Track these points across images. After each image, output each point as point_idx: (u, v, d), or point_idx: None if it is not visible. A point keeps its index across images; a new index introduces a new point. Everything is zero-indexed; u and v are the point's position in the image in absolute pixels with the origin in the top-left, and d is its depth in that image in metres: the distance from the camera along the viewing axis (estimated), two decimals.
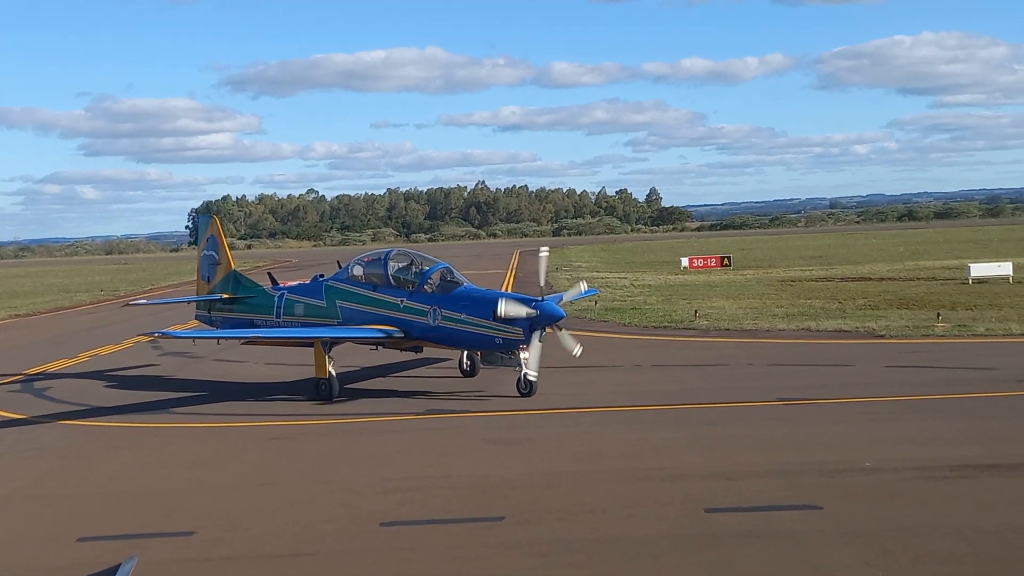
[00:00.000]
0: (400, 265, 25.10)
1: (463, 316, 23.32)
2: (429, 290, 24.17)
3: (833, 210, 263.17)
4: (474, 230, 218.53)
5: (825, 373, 25.38)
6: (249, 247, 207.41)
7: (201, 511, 15.09)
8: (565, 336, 22.83)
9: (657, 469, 16.40)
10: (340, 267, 26.59)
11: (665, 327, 36.39)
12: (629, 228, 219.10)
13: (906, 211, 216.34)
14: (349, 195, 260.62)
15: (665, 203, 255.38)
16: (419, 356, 27.18)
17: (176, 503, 15.58)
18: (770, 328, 34.43)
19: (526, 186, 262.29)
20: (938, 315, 34.60)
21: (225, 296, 28.54)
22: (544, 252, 24.28)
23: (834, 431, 18.74)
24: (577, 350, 22.83)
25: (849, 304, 41.18)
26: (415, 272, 24.79)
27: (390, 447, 18.86)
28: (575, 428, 19.95)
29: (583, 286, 26.89)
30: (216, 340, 30.10)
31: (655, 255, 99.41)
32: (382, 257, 25.35)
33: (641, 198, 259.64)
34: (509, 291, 27.93)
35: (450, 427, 20.53)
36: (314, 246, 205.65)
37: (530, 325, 22.53)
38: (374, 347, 25.85)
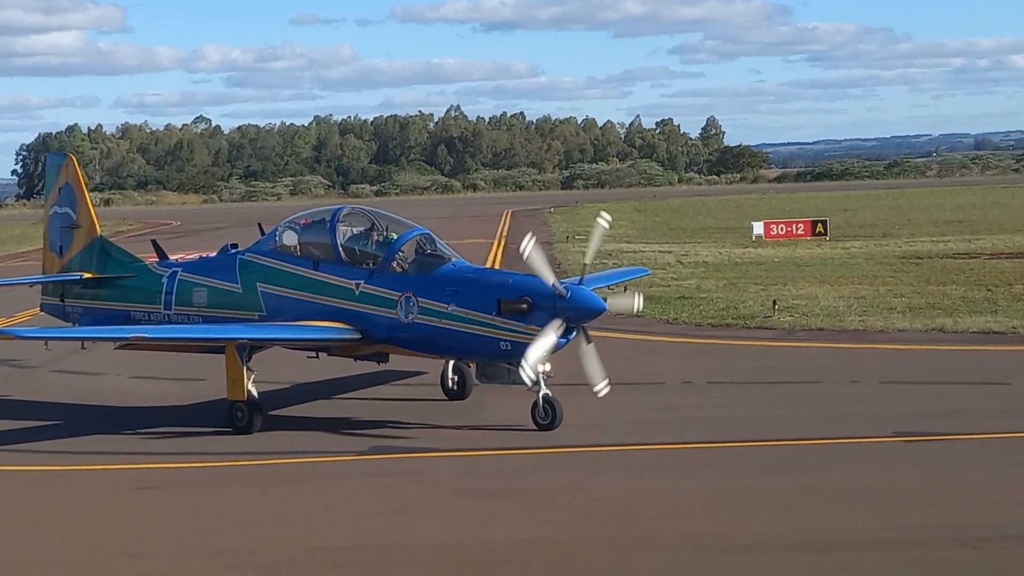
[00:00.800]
0: (355, 231, 25.06)
1: (451, 308, 23.12)
2: (399, 268, 24.13)
3: (980, 152, 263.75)
4: (444, 179, 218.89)
5: (966, 395, 25.51)
6: (107, 203, 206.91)
7: None
8: (590, 356, 22.40)
9: (712, 536, 16.45)
10: (263, 234, 26.52)
11: (728, 325, 36.52)
12: (676, 178, 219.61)
13: None
14: (257, 126, 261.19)
15: (729, 141, 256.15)
16: (382, 367, 27.03)
17: None
18: (885, 328, 34.59)
19: (522, 114, 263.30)
20: None
21: (87, 275, 28.42)
22: (605, 220, 23.81)
23: (978, 480, 18.84)
24: (603, 387, 22.47)
25: (1003, 293, 41.45)
26: (377, 241, 24.76)
27: (318, 501, 18.92)
28: (593, 475, 20.04)
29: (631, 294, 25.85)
30: (79, 342, 29.60)
31: (714, 218, 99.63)
32: (328, 219, 25.22)
33: (694, 133, 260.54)
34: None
35: (409, 472, 20.63)
36: (204, 201, 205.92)
37: (550, 316, 22.20)
38: (313, 354, 25.87)
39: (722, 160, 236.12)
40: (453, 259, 24.12)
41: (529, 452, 21.74)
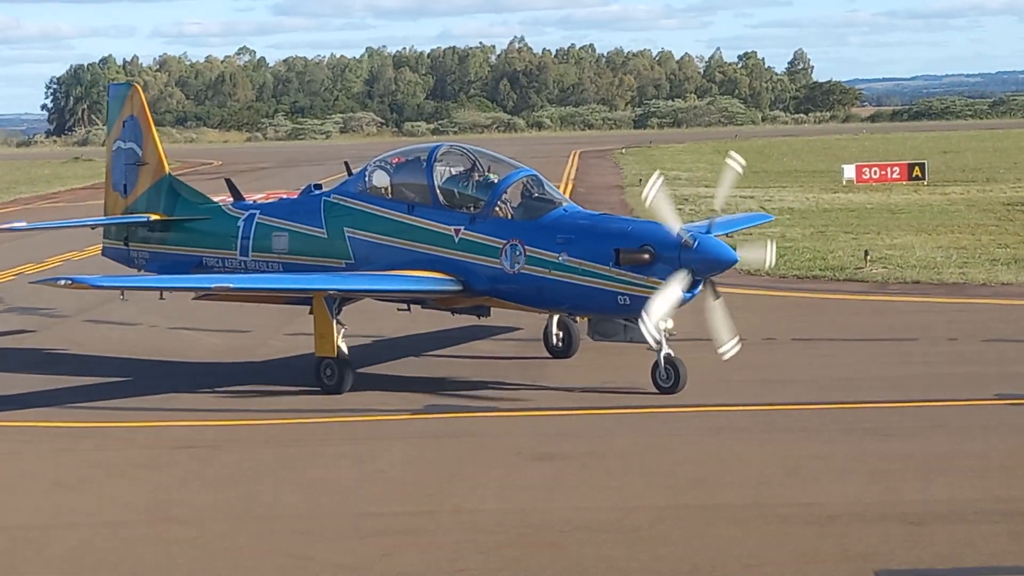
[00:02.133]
0: (454, 171, 24.76)
1: (562, 258, 22.79)
2: (504, 213, 23.83)
3: None
4: (506, 116, 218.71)
5: None
6: None
7: (58, 562, 15.27)
8: (718, 312, 22.20)
9: (798, 505, 16.43)
10: (350, 173, 26.23)
11: (815, 277, 36.41)
12: (759, 116, 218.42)
13: None
14: (304, 58, 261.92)
15: (819, 76, 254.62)
16: (480, 321, 26.24)
17: (17, 549, 15.79)
18: (987, 281, 34.41)
19: (591, 47, 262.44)
20: None
21: (155, 217, 28.09)
22: (736, 162, 23.33)
23: None
24: (730, 348, 22.30)
25: None
26: (479, 183, 24.44)
27: (369, 464, 19.02)
28: (667, 437, 20.09)
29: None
30: (145, 291, 28.50)
31: (801, 160, 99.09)
32: (424, 158, 24.91)
33: (780, 68, 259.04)
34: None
35: (467, 433, 20.73)
36: (247, 139, 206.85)
37: (674, 267, 21.86)
38: (405, 307, 25.68)
39: (810, 97, 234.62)
40: (564, 203, 23.85)
41: (596, 412, 21.79)
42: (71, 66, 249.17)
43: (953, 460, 18.27)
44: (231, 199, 27.85)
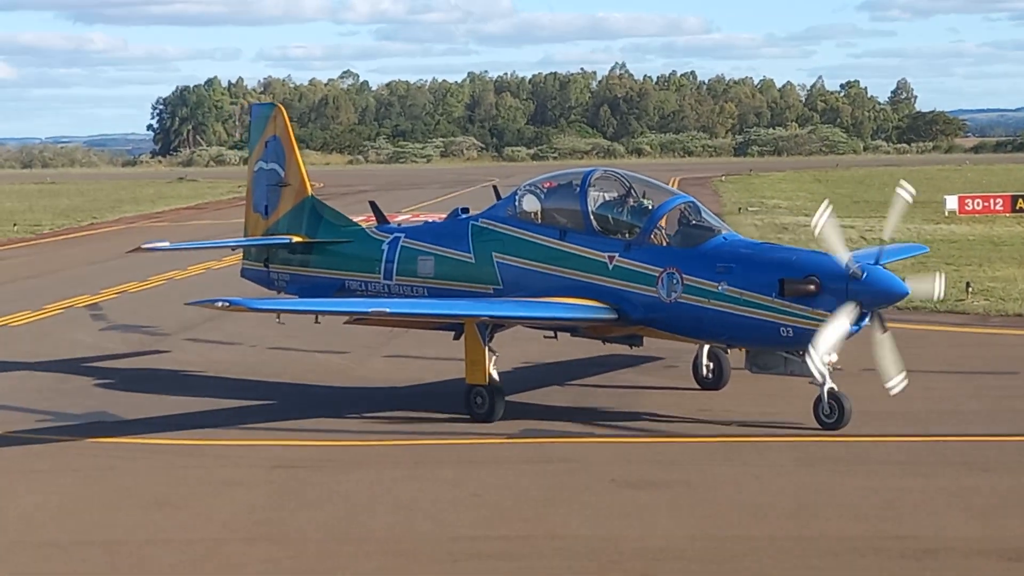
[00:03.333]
0: (608, 196, 24.25)
1: (721, 287, 22.22)
2: (660, 240, 23.33)
3: None
4: (606, 142, 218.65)
5: None
6: (247, 161, 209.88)
7: None
8: (886, 345, 21.54)
9: (895, 539, 16.33)
10: (498, 197, 25.97)
11: (915, 309, 36.00)
12: (861, 145, 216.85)
13: None
14: (407, 82, 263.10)
15: (922, 106, 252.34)
16: (634, 350, 25.75)
17: (115, 564, 15.92)
18: None
19: (692, 74, 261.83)
20: None
21: (297, 239, 27.67)
22: (907, 191, 22.65)
23: None
24: (898, 383, 21.64)
25: None
26: (634, 209, 23.94)
27: (463, 487, 19.10)
28: (761, 467, 20.00)
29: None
30: (288, 313, 26.58)
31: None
32: (577, 183, 24.42)
33: (883, 97, 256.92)
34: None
35: (561, 459, 20.75)
36: (349, 162, 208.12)
37: (841, 299, 21.25)
38: (552, 334, 25.37)
39: (913, 127, 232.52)
40: (723, 231, 23.30)
41: (689, 441, 21.73)
42: (177, 87, 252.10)
43: None
44: (376, 221, 27.45)
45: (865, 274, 21.28)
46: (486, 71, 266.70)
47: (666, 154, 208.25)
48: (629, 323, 23.32)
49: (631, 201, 24.02)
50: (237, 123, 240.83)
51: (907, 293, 21.83)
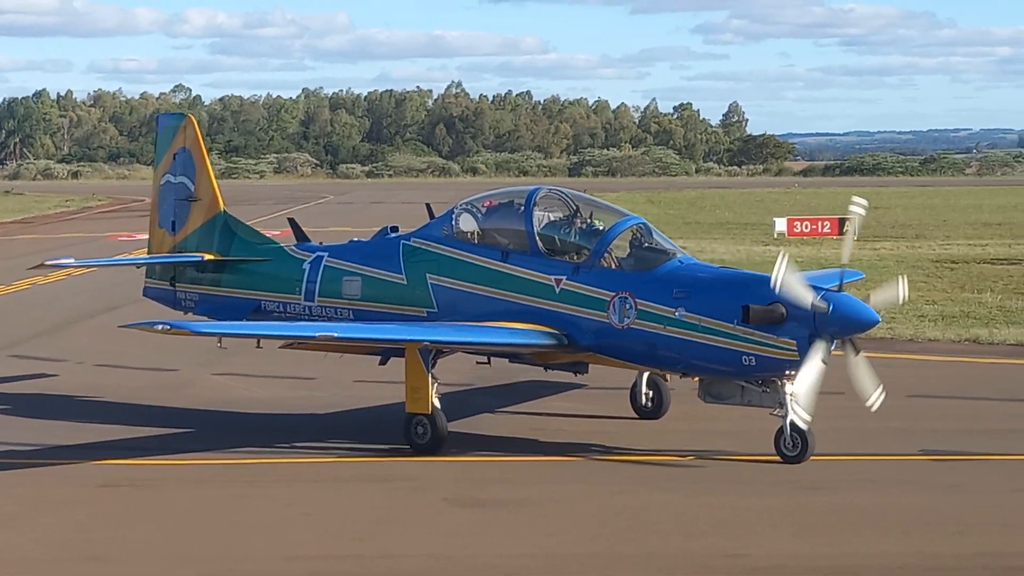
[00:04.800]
0: (554, 217, 23.37)
1: (678, 313, 21.40)
2: (612, 264, 22.49)
3: None
4: (441, 161, 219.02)
5: (1002, 412, 25.52)
6: (75, 175, 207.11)
7: None
8: (861, 366, 21.05)
9: (726, 557, 16.46)
10: (431, 217, 24.88)
11: None
12: (694, 167, 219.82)
13: None
14: (240, 97, 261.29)
15: (753, 129, 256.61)
16: (576, 378, 24.97)
17: None
18: (914, 337, 34.64)
19: (528, 94, 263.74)
20: None
21: (209, 257, 26.40)
22: (860, 206, 22.23)
23: (1013, 505, 18.87)
24: (876, 399, 21.20)
25: None
26: (583, 229, 23.08)
27: (296, 506, 18.94)
28: (600, 486, 20.06)
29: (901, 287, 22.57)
30: (220, 338, 24.92)
31: (734, 212, 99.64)
32: (520, 202, 23.49)
33: (715, 120, 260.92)
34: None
35: (399, 477, 20.67)
36: None
37: (812, 331, 20.58)
38: (485, 360, 24.47)
39: (744, 150, 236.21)
40: (678, 255, 22.53)
41: (525, 460, 21.73)
42: (4, 99, 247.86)
43: (876, 514, 18.30)
44: (295, 240, 26.10)
45: (831, 307, 20.56)
46: (321, 87, 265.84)
47: (501, 173, 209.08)
48: (578, 349, 22.39)
49: (579, 222, 23.13)
50: (65, 137, 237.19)
51: (876, 321, 21.09)
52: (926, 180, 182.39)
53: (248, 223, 27.55)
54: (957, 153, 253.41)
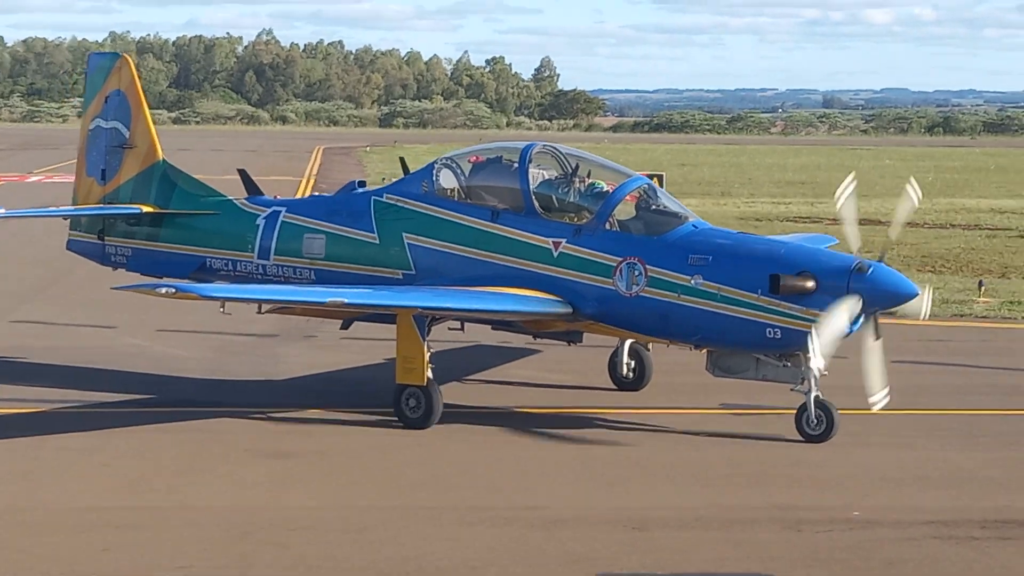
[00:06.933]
0: (551, 175, 21.94)
1: (694, 281, 20.21)
2: (618, 227, 21.18)
3: (828, 110, 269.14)
4: (250, 109, 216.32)
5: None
6: None
7: None
8: (875, 355, 19.80)
9: (525, 509, 16.67)
10: (406, 171, 23.67)
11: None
12: (504, 121, 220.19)
13: (941, 119, 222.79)
14: (45, 39, 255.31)
15: (564, 85, 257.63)
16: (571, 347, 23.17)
17: None
18: None
19: (340, 43, 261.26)
20: (980, 284, 35.74)
21: (147, 209, 24.43)
22: (914, 190, 21.01)
23: (801, 459, 19.28)
24: (880, 399, 19.87)
25: None
26: (585, 190, 21.73)
27: (93, 456, 18.73)
28: (399, 437, 20.16)
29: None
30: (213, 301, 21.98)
31: None
32: (514, 159, 21.96)
33: (526, 74, 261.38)
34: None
35: (198, 429, 20.55)
36: None
37: (840, 295, 19.38)
38: (458, 326, 22.67)
39: (555, 105, 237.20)
40: (691, 218, 21.12)
41: (334, 413, 21.64)
42: None
43: (674, 468, 18.63)
44: (247, 193, 24.36)
45: (871, 269, 19.53)
46: (128, 31, 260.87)
47: (311, 122, 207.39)
48: (579, 318, 21.03)
49: (578, 182, 21.72)
50: None
51: (916, 294, 19.74)
52: (733, 138, 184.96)
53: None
54: (763, 112, 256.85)
